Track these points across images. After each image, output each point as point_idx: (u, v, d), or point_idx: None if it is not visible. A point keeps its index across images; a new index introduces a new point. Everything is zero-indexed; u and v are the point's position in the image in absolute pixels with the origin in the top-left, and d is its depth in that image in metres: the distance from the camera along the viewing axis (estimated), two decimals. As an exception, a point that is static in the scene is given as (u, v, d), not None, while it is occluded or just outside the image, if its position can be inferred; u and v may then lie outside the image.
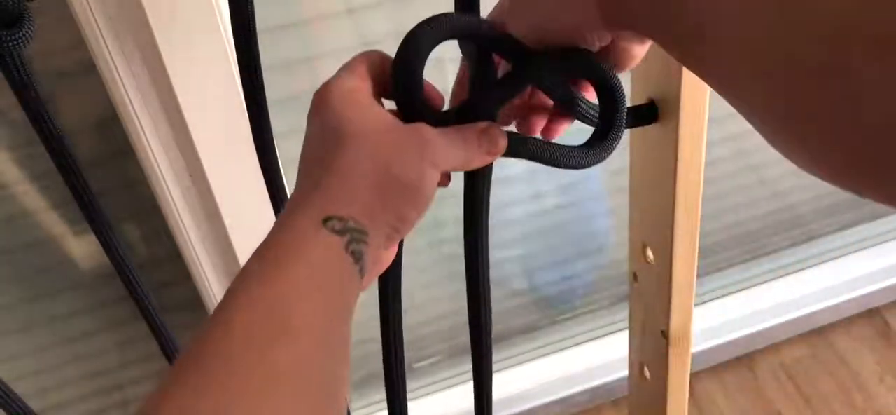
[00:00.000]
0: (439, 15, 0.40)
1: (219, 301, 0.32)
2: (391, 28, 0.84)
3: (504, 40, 0.41)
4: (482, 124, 0.40)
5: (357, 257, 0.34)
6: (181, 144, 0.74)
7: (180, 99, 0.68)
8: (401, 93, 0.40)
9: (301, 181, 0.38)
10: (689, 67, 0.36)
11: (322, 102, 0.38)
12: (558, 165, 0.44)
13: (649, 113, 0.53)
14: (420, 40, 0.39)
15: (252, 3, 0.50)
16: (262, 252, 0.34)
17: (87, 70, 0.69)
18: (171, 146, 0.74)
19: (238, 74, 0.53)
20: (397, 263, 0.50)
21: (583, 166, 0.45)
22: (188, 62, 0.67)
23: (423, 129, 0.38)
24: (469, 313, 0.54)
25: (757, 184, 1.27)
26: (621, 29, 0.39)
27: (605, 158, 0.45)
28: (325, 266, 0.33)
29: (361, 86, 0.39)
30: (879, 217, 1.44)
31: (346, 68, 0.39)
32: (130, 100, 0.69)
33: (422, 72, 0.39)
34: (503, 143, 0.41)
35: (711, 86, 0.35)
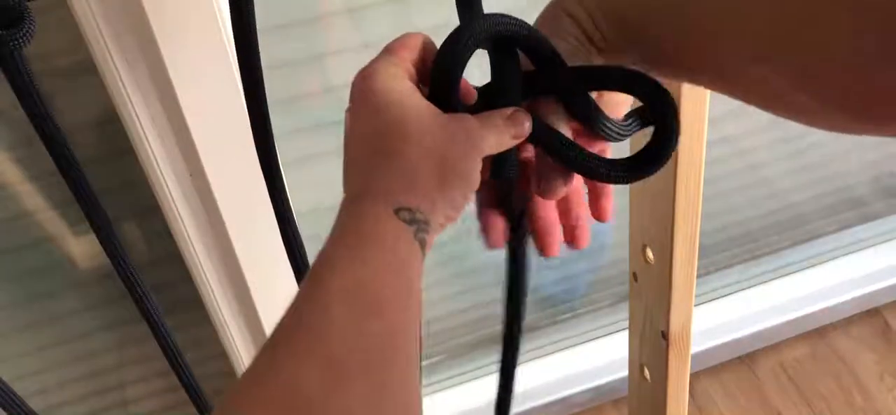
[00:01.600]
0: (485, 16, 0.41)
1: (304, 283, 0.34)
2: (391, 28, 0.84)
3: (542, 48, 0.41)
4: (508, 110, 0.41)
5: (422, 245, 0.37)
6: (181, 144, 0.74)
7: (180, 99, 0.68)
8: (440, 88, 0.41)
9: (362, 168, 0.39)
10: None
11: (368, 90, 0.39)
12: (596, 177, 0.43)
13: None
14: (464, 40, 0.40)
15: (252, 3, 0.50)
16: (342, 239, 0.36)
17: (87, 70, 0.69)
18: (171, 146, 0.74)
19: (238, 74, 0.53)
20: None
21: (622, 181, 0.43)
22: (188, 62, 0.67)
23: (468, 119, 0.40)
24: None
25: (757, 184, 1.27)
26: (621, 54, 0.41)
27: (647, 175, 0.43)
28: (400, 252, 0.35)
29: (402, 73, 0.40)
30: (879, 217, 1.44)
31: (387, 52, 0.41)
32: (130, 100, 0.69)
33: (462, 71, 0.40)
34: (528, 125, 0.41)
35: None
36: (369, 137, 0.39)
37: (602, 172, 0.42)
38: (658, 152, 0.42)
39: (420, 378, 0.36)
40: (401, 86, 0.39)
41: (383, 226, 0.36)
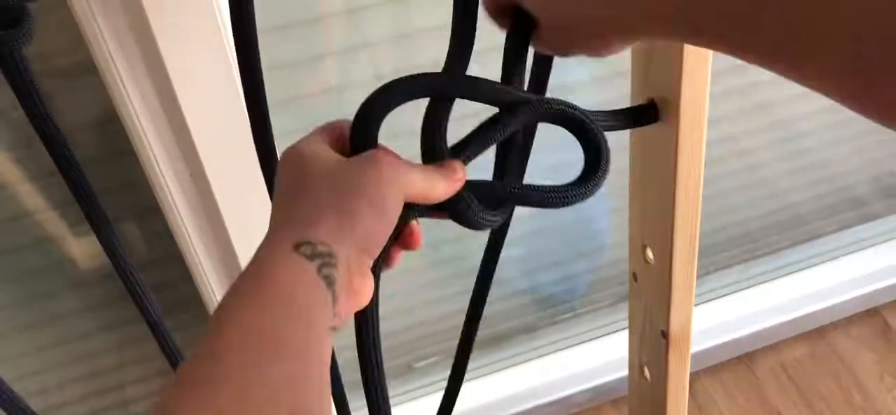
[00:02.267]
0: (394, 81, 0.43)
1: (208, 328, 0.34)
2: (391, 28, 0.84)
3: (462, 91, 0.44)
4: (440, 161, 0.43)
5: (329, 282, 0.36)
6: (181, 144, 0.74)
7: (180, 99, 0.68)
8: (358, 134, 0.43)
9: (274, 214, 0.40)
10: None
11: (288, 157, 0.41)
12: (537, 205, 0.46)
13: (649, 113, 0.53)
14: (375, 106, 0.42)
15: (252, 4, 0.50)
16: (240, 284, 0.35)
17: (87, 70, 0.69)
18: (171, 146, 0.74)
19: (238, 74, 0.53)
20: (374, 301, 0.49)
21: (570, 202, 0.46)
22: (188, 62, 0.67)
23: (380, 151, 0.41)
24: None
25: (757, 184, 1.27)
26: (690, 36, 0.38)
27: (587, 197, 0.46)
28: (298, 296, 0.34)
29: (322, 140, 0.42)
30: (879, 217, 1.44)
31: (310, 134, 0.43)
32: (130, 100, 0.69)
33: (376, 134, 0.42)
34: (461, 171, 0.43)
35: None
36: (285, 188, 0.41)
37: (534, 199, 0.46)
38: (588, 180, 0.46)
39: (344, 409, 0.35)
40: (317, 146, 0.41)
41: (282, 267, 0.35)
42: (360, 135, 0.42)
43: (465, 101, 0.44)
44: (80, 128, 0.81)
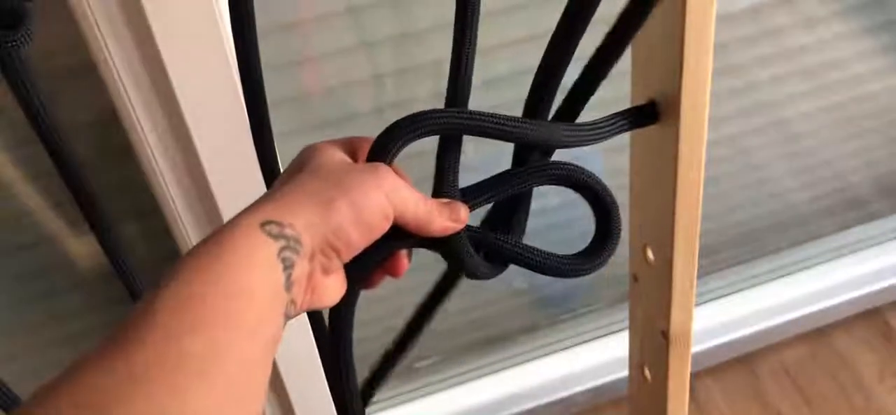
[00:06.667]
0: (424, 112, 0.42)
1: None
2: (391, 28, 0.84)
3: (494, 134, 0.43)
4: (445, 199, 0.43)
5: (286, 265, 0.35)
6: (181, 143, 0.74)
7: (180, 99, 0.68)
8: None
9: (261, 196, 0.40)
10: None
11: (303, 150, 0.42)
12: (541, 271, 0.46)
13: (649, 113, 0.53)
14: (395, 133, 0.41)
15: (252, 3, 0.50)
16: (199, 246, 0.35)
17: (87, 70, 0.69)
18: (171, 146, 0.74)
19: (238, 74, 0.53)
20: (350, 308, 0.47)
21: (570, 275, 0.47)
22: (188, 62, 0.67)
23: (383, 167, 0.40)
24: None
25: (757, 184, 1.27)
26: None
27: (595, 269, 0.47)
28: (251, 265, 0.34)
29: (339, 148, 0.42)
30: (879, 217, 1.44)
31: (335, 139, 0.43)
32: (130, 100, 0.69)
33: (393, 153, 0.42)
34: (465, 214, 0.43)
35: None
36: (285, 173, 0.41)
37: (539, 266, 0.46)
38: (600, 251, 0.47)
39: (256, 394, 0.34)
40: (332, 148, 0.41)
41: (243, 236, 0.35)
42: (378, 148, 0.42)
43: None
44: (80, 128, 0.81)
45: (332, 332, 0.46)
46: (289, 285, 0.36)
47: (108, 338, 0.31)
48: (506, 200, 0.47)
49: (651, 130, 0.55)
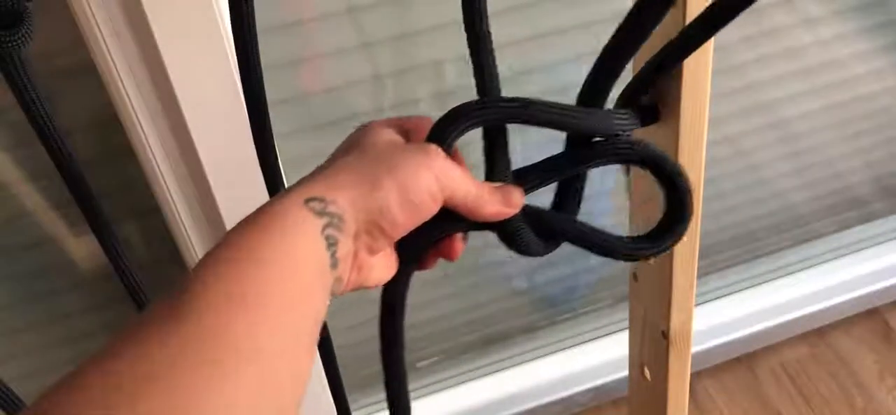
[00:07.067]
0: (488, 100, 0.40)
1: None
2: (392, 28, 0.84)
3: (564, 123, 0.42)
4: (498, 183, 0.42)
5: (330, 242, 0.35)
6: (181, 143, 0.74)
7: (180, 99, 0.68)
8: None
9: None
10: None
11: (356, 130, 0.41)
12: (602, 252, 0.44)
13: (649, 113, 0.53)
14: (458, 116, 0.40)
15: (252, 3, 0.50)
16: (243, 223, 0.35)
17: (87, 70, 0.69)
18: (171, 146, 0.74)
19: (238, 74, 0.53)
20: (402, 288, 0.46)
21: (629, 258, 0.44)
22: (188, 62, 0.67)
23: (434, 147, 0.39)
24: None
25: (757, 184, 1.27)
26: None
27: (658, 254, 0.44)
28: (296, 241, 0.34)
29: (391, 129, 0.42)
30: (879, 217, 1.44)
31: (389, 118, 0.43)
32: (130, 100, 0.69)
33: (453, 136, 0.40)
34: (518, 197, 0.42)
35: None
36: (334, 152, 0.41)
37: (596, 245, 0.45)
38: (668, 232, 0.44)
39: (304, 369, 0.33)
40: (385, 127, 0.41)
41: (289, 212, 0.34)
42: (437, 132, 0.40)
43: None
44: (80, 128, 0.81)
45: (385, 309, 0.45)
46: (335, 263, 0.35)
47: (154, 307, 0.31)
48: (563, 184, 0.46)
49: (651, 130, 0.55)
